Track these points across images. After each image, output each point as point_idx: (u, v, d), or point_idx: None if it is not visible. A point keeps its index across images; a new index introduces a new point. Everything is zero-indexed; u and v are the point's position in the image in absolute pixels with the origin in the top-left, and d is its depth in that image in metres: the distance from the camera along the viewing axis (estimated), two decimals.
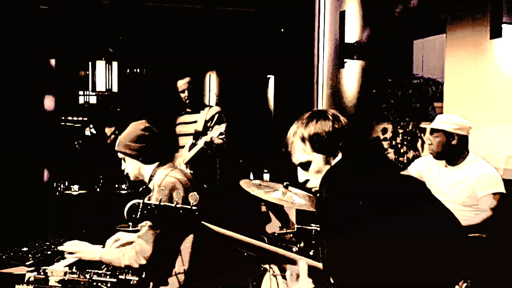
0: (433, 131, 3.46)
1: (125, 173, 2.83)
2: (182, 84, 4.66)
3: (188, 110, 4.72)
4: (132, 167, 2.78)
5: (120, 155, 2.78)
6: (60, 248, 2.66)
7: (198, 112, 4.65)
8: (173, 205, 1.73)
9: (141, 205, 1.72)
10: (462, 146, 3.42)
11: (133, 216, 1.72)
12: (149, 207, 1.72)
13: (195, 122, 4.62)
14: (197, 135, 4.37)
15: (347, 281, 1.56)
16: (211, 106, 4.76)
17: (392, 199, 1.63)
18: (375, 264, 1.53)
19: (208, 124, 4.57)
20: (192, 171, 4.25)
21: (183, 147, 4.55)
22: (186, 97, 4.65)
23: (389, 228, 1.56)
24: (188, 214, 1.72)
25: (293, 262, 1.80)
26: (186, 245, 2.65)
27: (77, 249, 2.64)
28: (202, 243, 2.69)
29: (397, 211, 1.60)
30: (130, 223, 3.84)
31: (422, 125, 3.70)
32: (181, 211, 1.72)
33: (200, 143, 4.21)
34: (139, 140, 2.71)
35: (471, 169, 3.37)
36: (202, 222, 1.74)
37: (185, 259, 2.64)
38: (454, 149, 3.42)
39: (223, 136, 4.37)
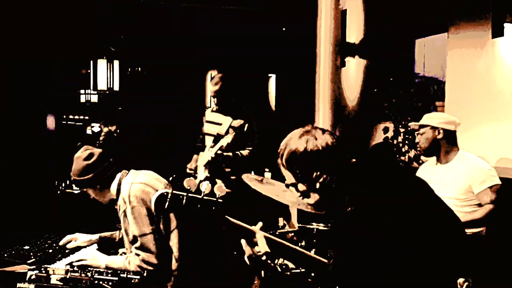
0: (420, 128, 3.51)
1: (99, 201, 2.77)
2: (213, 89, 4.53)
3: (218, 107, 4.63)
4: (97, 196, 2.74)
5: (82, 190, 2.73)
6: (71, 258, 2.64)
7: (226, 114, 4.56)
8: (200, 196, 1.73)
9: (169, 195, 1.71)
10: (449, 141, 3.45)
11: (161, 206, 1.71)
12: (177, 197, 1.72)
13: (220, 124, 4.53)
14: (217, 139, 4.33)
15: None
16: (241, 111, 4.59)
17: (410, 209, 1.65)
18: (393, 271, 1.57)
19: (233, 133, 4.41)
20: (209, 174, 4.25)
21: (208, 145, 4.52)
22: (216, 102, 4.58)
23: (409, 237, 1.60)
24: (214, 206, 1.72)
25: (251, 234, 1.82)
26: (174, 241, 2.64)
27: (85, 256, 2.63)
28: (190, 238, 2.69)
29: (414, 220, 1.63)
30: None
31: (410, 124, 3.70)
32: (208, 203, 1.72)
33: (210, 153, 4.20)
34: (86, 171, 2.66)
35: (463, 165, 3.39)
36: (226, 216, 1.75)
37: (175, 255, 2.63)
38: (441, 144, 3.46)
39: (250, 148, 4.38)
